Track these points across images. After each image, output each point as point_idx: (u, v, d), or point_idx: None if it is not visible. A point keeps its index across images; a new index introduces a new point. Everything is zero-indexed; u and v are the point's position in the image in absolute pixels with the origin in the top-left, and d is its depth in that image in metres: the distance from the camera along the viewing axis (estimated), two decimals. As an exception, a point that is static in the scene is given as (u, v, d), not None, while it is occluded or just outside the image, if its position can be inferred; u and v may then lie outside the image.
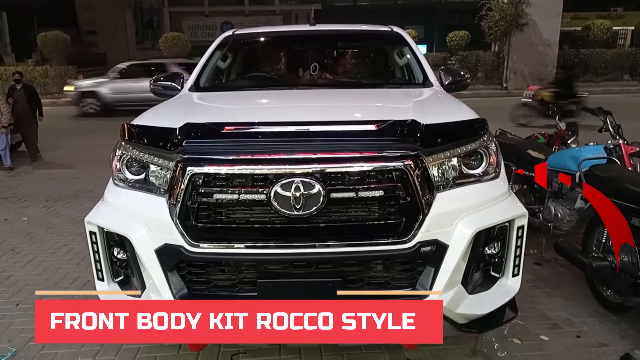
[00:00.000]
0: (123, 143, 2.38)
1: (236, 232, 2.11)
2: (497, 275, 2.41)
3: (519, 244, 2.37)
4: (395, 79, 3.80)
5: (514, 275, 2.40)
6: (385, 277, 2.18)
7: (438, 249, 2.14)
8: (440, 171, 2.20)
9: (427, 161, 2.15)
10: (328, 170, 2.06)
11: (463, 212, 2.20)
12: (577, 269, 3.65)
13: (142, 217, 2.23)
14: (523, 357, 2.85)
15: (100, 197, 2.50)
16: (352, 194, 2.06)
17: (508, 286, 2.39)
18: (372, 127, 2.20)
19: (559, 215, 3.95)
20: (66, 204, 5.95)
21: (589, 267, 3.31)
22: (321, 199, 2.03)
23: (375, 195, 2.08)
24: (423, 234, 2.11)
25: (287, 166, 2.06)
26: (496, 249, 2.38)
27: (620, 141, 3.70)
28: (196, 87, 3.45)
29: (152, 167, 2.26)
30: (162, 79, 3.57)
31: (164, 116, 2.68)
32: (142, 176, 2.31)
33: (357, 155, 2.08)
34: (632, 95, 16.29)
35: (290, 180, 2.04)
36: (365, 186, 2.07)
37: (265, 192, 2.06)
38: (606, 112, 3.87)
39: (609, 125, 3.81)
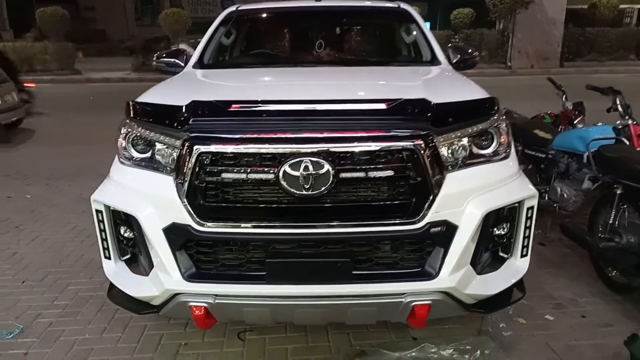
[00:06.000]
0: (128, 121, 2.35)
1: (244, 212, 2.09)
2: (505, 255, 2.40)
3: (528, 224, 2.36)
4: (402, 57, 3.74)
5: (522, 256, 2.39)
6: (394, 257, 2.16)
7: (448, 230, 2.13)
8: (450, 151, 2.17)
9: (438, 141, 2.12)
10: (338, 149, 2.03)
11: (473, 192, 2.18)
12: (581, 249, 3.66)
13: (149, 196, 2.21)
14: (528, 336, 2.87)
15: (103, 176, 2.48)
16: (361, 174, 2.04)
17: (516, 266, 2.39)
18: (382, 106, 2.16)
19: (565, 195, 3.93)
20: (68, 182, 5.94)
21: (596, 248, 3.30)
22: (330, 179, 2.01)
23: (386, 175, 2.05)
24: (433, 215, 2.09)
25: (297, 145, 2.03)
26: (505, 230, 2.36)
27: (630, 121, 3.66)
28: (200, 64, 3.40)
29: (158, 146, 2.23)
30: (165, 55, 3.52)
31: (169, 93, 2.64)
32: (148, 154, 2.28)
33: (368, 134, 2.05)
34: (638, 75, 16.13)
35: (299, 159, 2.01)
36: (375, 166, 2.05)
37: (273, 171, 2.03)
38: (616, 92, 3.82)
39: (619, 105, 3.75)
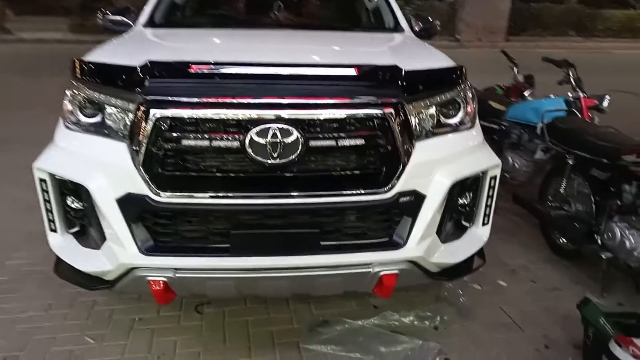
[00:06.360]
0: (75, 82, 2.14)
1: (207, 181, 1.97)
2: (467, 224, 2.42)
3: (490, 193, 2.39)
4: (365, 23, 3.64)
5: (484, 224, 2.43)
6: (362, 227, 2.12)
7: (416, 199, 2.10)
8: (419, 120, 2.14)
9: (408, 109, 2.07)
10: (307, 116, 1.94)
11: (441, 162, 2.17)
12: (531, 217, 3.79)
13: (100, 164, 2.04)
14: (484, 302, 2.95)
15: (42, 143, 2.27)
16: (332, 142, 1.96)
17: (478, 235, 2.42)
18: (353, 72, 2.07)
19: (517, 165, 4.04)
20: (2, 149, 5.49)
21: (547, 216, 3.42)
22: (299, 147, 1.92)
23: (356, 144, 1.99)
24: (402, 184, 2.06)
25: (264, 111, 1.92)
26: (469, 199, 2.37)
27: (581, 94, 3.77)
28: (150, 24, 3.16)
29: (109, 109, 2.06)
30: (112, 12, 3.26)
31: (120, 53, 2.43)
32: (98, 119, 2.10)
33: (339, 101, 1.97)
34: (577, 51, 16.77)
35: (267, 126, 1.90)
36: (346, 134, 1.98)
37: (239, 138, 1.92)
38: (570, 65, 3.92)
39: (571, 78, 3.85)
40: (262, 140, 1.90)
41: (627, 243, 2.75)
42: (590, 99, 3.74)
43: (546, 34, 18.28)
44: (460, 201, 2.34)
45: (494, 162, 2.36)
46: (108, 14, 3.27)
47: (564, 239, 3.43)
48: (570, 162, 3.26)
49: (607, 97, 3.71)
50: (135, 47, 2.58)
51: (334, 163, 2.01)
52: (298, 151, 1.92)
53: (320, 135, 1.95)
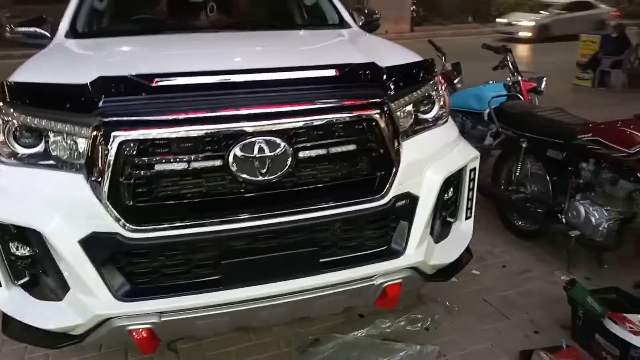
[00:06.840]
0: (5, 107, 1.79)
1: (189, 208, 1.72)
2: (452, 220, 2.37)
3: (471, 186, 2.35)
4: (309, 20, 3.44)
5: (467, 218, 2.39)
6: (360, 238, 1.98)
7: (411, 202, 2.00)
8: (402, 118, 2.04)
9: (392, 108, 1.96)
10: (294, 125, 1.75)
11: (429, 160, 2.08)
12: (484, 203, 3.86)
13: (53, 202, 1.72)
14: (464, 294, 2.94)
15: None
16: (323, 151, 1.80)
17: (464, 230, 2.37)
18: (332, 73, 1.91)
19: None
20: None
21: (507, 200, 3.49)
22: (289, 160, 1.74)
23: (348, 150, 1.84)
24: (397, 187, 1.94)
25: (247, 123, 1.71)
26: (452, 194, 2.32)
27: (519, 78, 3.90)
28: (74, 34, 2.78)
29: (55, 137, 1.75)
30: (23, 24, 2.84)
31: (53, 70, 2.06)
32: (40, 148, 1.78)
33: (325, 105, 1.81)
34: (475, 37, 17.79)
35: (251, 140, 1.70)
36: (336, 140, 1.82)
37: (221, 156, 1.70)
38: (507, 50, 4.04)
39: (509, 63, 3.97)
40: (247, 156, 1.70)
41: (592, 219, 2.85)
42: (529, 82, 3.88)
43: (447, 22, 19.23)
44: (447, 197, 2.27)
45: (473, 154, 2.32)
46: (20, 26, 2.85)
47: (522, 221, 3.52)
48: (523, 145, 3.33)
49: (544, 79, 3.87)
50: (70, 62, 2.23)
51: (328, 173, 1.85)
52: (288, 164, 1.74)
53: (310, 145, 1.79)
